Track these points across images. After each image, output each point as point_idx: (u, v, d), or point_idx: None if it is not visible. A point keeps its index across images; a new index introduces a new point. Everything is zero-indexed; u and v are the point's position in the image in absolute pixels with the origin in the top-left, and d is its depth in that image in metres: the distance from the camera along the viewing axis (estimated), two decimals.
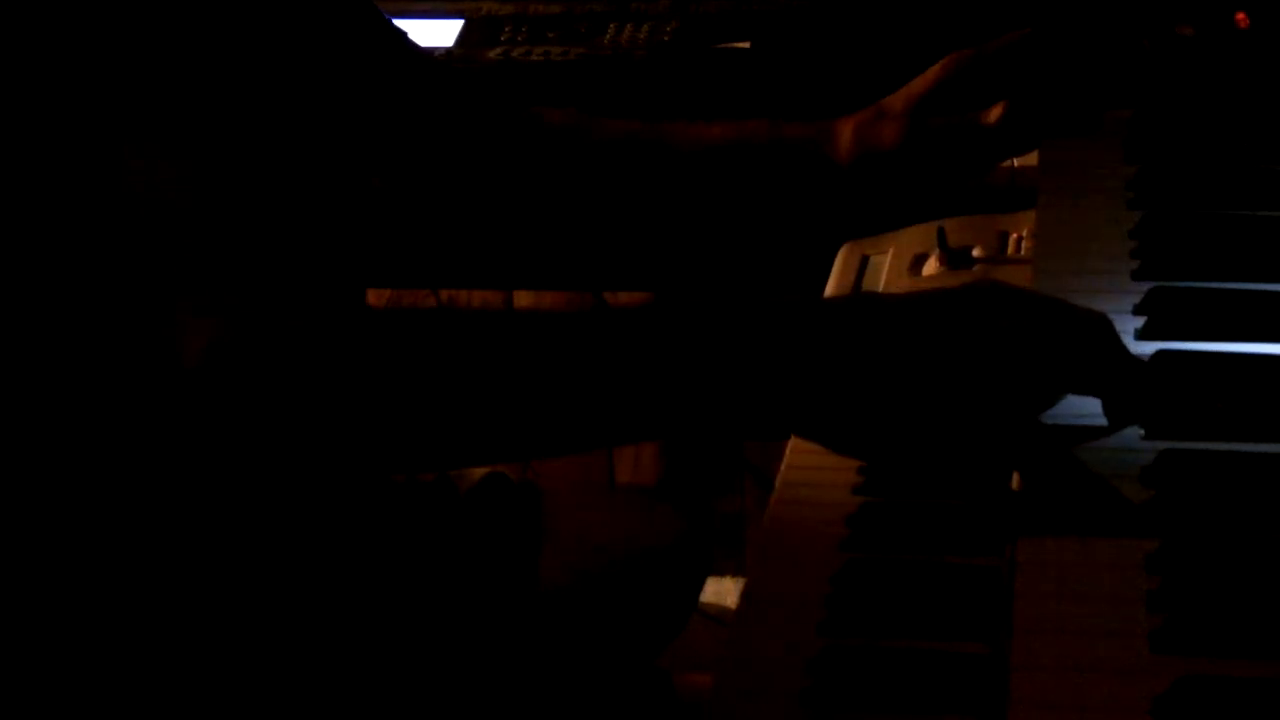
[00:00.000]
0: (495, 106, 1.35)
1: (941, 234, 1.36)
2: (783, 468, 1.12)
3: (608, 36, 1.97)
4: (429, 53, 1.38)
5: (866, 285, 1.36)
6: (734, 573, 2.33)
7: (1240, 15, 1.51)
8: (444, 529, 1.35)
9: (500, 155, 1.33)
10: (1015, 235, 1.38)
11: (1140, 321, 1.06)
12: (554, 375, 0.92)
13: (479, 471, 1.40)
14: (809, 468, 1.10)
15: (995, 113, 1.30)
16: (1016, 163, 1.69)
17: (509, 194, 1.35)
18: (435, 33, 1.95)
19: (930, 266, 1.36)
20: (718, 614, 2.06)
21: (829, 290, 1.36)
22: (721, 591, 2.24)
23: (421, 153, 1.31)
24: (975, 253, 1.36)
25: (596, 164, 1.34)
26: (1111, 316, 0.97)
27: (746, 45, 1.88)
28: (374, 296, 1.88)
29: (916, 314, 0.93)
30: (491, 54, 1.94)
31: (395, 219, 1.69)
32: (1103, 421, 0.95)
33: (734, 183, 1.34)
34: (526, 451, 1.18)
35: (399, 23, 1.31)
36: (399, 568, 1.23)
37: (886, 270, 1.38)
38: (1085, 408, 0.96)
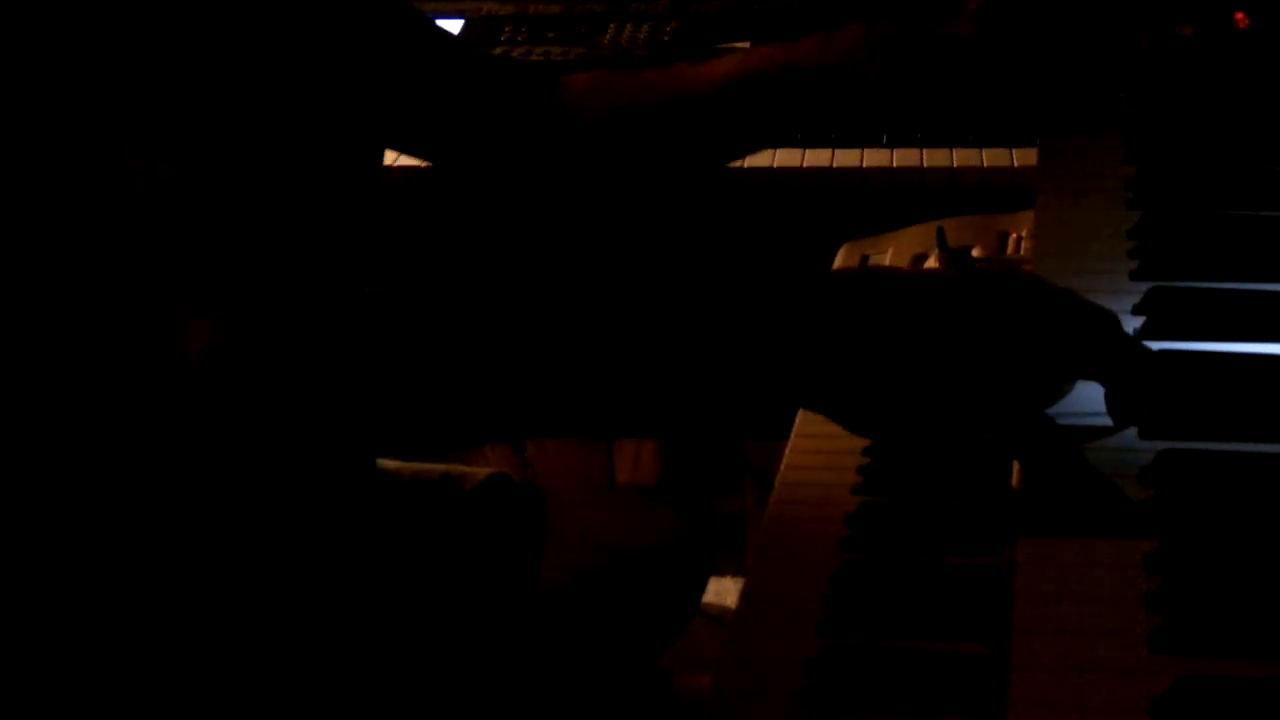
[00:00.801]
0: (521, 78, 1.35)
1: (941, 234, 1.36)
2: (783, 468, 1.12)
3: (608, 36, 1.98)
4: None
5: None
6: (734, 573, 2.32)
7: (1240, 15, 1.51)
8: (447, 528, 1.35)
9: (519, 134, 1.34)
10: (1015, 235, 1.38)
11: (1139, 321, 1.06)
12: (559, 355, 0.91)
13: (483, 471, 1.40)
14: (809, 468, 1.10)
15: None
16: (1016, 163, 1.70)
17: (526, 175, 1.36)
18: None
19: (929, 266, 1.36)
20: (718, 614, 2.06)
21: None
22: (721, 591, 2.23)
23: (439, 133, 1.32)
24: (975, 253, 1.36)
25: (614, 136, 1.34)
26: None
27: (746, 45, 1.88)
28: None
29: (930, 291, 0.93)
30: (492, 54, 1.94)
31: (400, 218, 1.69)
32: (1104, 421, 0.96)
33: (760, 110, 1.34)
34: (535, 431, 1.16)
35: None
36: (402, 567, 1.23)
37: None
38: (1086, 407, 0.96)
